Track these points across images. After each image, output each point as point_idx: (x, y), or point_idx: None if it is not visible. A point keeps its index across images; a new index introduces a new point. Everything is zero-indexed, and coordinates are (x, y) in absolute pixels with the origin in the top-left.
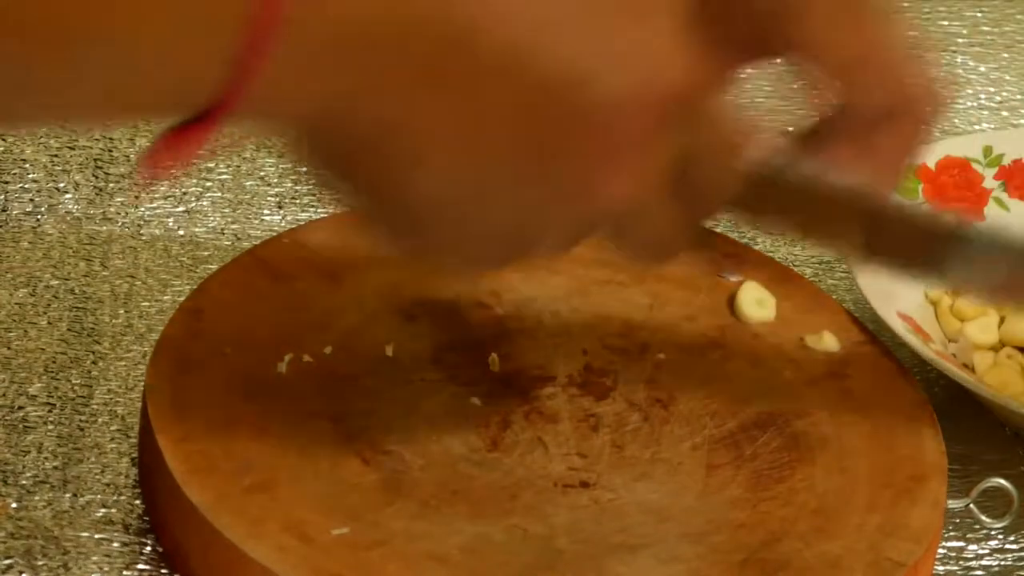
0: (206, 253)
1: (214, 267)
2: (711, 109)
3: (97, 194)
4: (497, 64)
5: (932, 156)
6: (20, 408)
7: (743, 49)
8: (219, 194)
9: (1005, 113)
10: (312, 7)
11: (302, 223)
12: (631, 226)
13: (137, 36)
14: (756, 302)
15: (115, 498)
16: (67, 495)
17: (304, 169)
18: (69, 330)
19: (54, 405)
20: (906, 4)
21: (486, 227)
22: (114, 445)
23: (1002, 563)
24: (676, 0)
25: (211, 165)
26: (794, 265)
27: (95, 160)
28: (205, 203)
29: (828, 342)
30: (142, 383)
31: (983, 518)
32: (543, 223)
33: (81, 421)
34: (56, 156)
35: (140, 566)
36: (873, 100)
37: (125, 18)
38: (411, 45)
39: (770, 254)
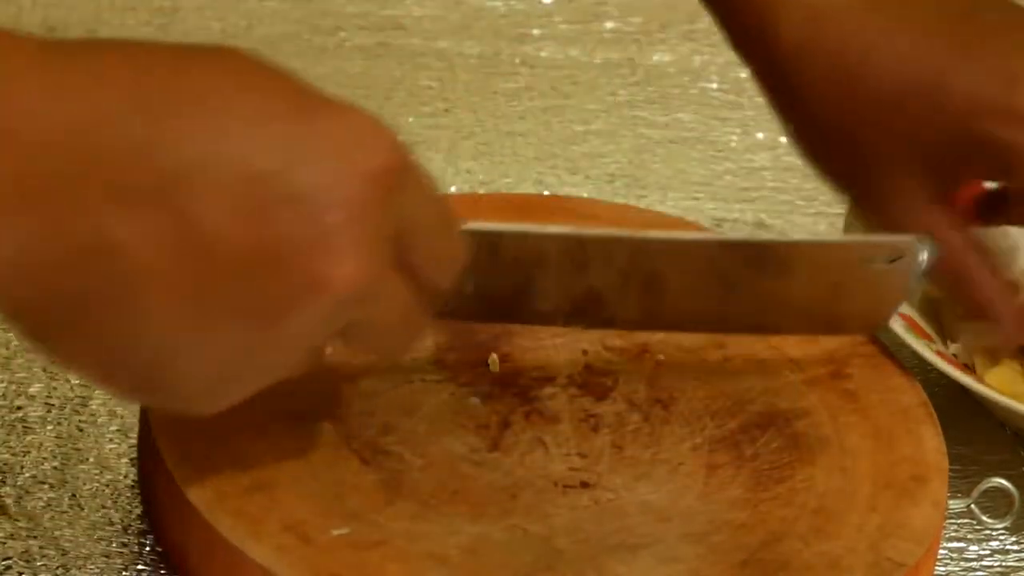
0: None
1: None
2: (419, 183)
3: None
4: (189, 172)
5: None
6: (19, 408)
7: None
8: None
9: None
10: None
11: None
12: (369, 314)
13: None
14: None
15: (114, 499)
16: (66, 495)
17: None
18: None
19: (53, 405)
20: None
21: (221, 354)
22: (113, 446)
23: (1003, 564)
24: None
25: None
26: None
27: None
28: None
29: None
30: None
31: (984, 518)
32: (281, 335)
33: (80, 421)
34: None
35: (139, 567)
36: None
37: None
38: (94, 170)
39: None
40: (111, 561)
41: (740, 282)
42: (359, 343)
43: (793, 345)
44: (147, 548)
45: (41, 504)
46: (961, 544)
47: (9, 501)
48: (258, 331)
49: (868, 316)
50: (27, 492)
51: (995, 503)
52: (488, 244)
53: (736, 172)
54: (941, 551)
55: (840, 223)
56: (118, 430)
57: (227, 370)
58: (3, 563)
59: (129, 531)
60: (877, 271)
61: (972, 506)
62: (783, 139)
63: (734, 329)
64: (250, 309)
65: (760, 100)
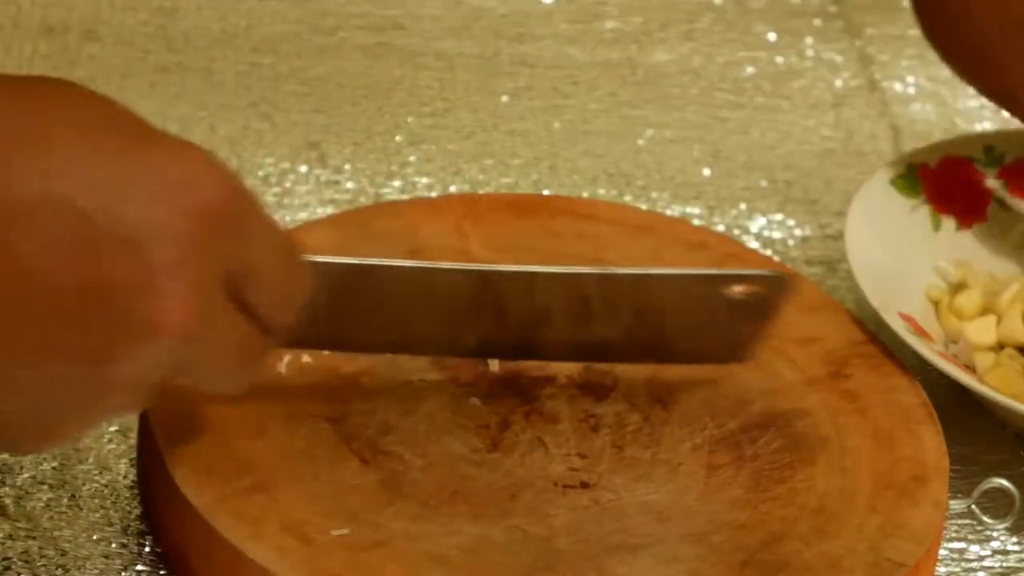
0: None
1: None
2: (255, 219)
3: None
4: (12, 209)
5: (933, 156)
6: None
7: None
8: None
9: (1006, 112)
10: None
11: (301, 223)
12: (202, 353)
13: None
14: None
15: (113, 499)
16: (65, 496)
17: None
18: None
19: None
20: (905, 4)
21: (47, 395)
22: (112, 446)
23: (1004, 564)
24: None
25: None
26: (795, 265)
27: None
28: None
29: None
30: None
31: (985, 519)
32: (109, 376)
33: None
34: None
35: (139, 567)
36: None
37: None
38: None
39: (768, 252)
40: (110, 562)
41: (599, 313)
42: (195, 379)
43: (793, 345)
44: (146, 549)
45: (40, 505)
46: (962, 544)
47: (8, 501)
48: (85, 372)
49: (730, 347)
50: (26, 492)
51: (996, 503)
52: (335, 276)
53: (736, 172)
54: (941, 551)
55: (841, 224)
56: (118, 430)
57: (54, 411)
58: (3, 563)
59: (128, 532)
60: (735, 303)
61: (973, 506)
62: (783, 139)
63: (601, 359)
64: (76, 350)
65: (760, 100)
